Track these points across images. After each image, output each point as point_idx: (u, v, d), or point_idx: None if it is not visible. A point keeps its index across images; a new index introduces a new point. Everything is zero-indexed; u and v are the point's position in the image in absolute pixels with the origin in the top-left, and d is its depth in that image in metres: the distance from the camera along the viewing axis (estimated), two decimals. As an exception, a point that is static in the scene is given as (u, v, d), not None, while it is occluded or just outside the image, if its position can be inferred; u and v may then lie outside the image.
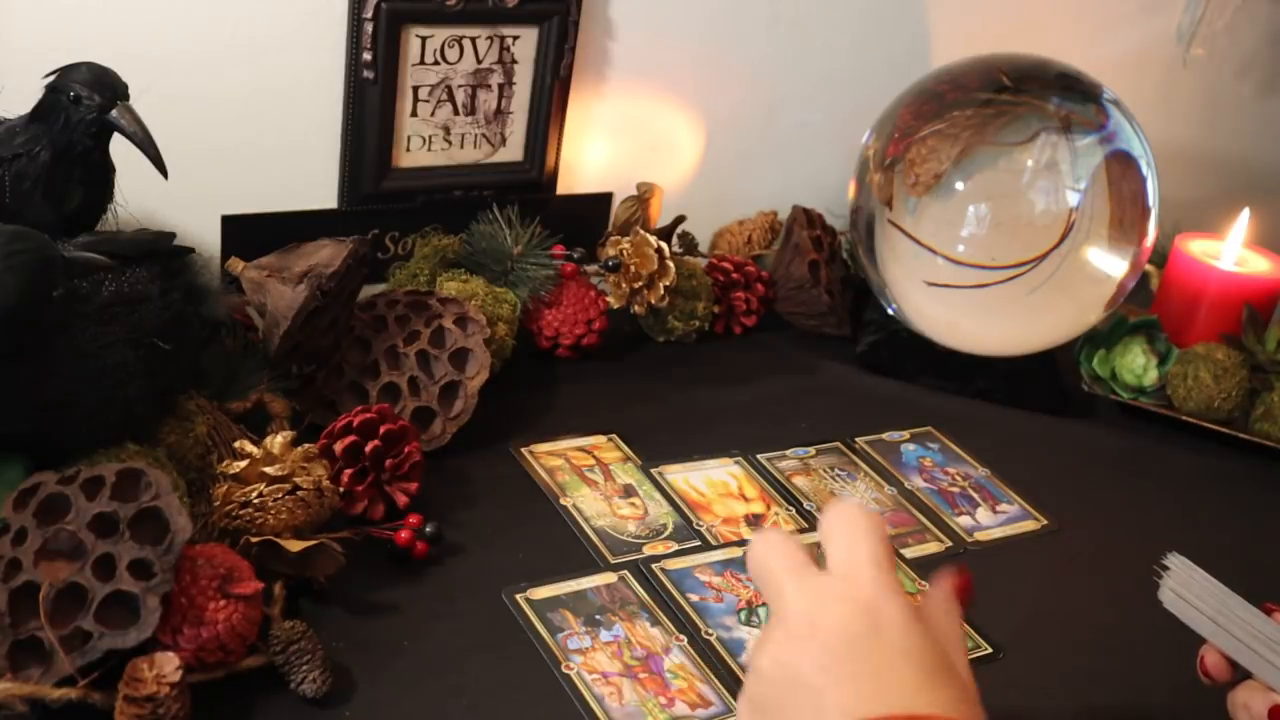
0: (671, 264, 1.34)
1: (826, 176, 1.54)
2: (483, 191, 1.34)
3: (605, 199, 1.45)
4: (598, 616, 0.99)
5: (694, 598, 1.02)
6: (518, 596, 0.99)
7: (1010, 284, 1.31)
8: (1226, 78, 1.80)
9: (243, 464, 0.95)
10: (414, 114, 1.27)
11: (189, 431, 1.01)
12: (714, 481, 1.18)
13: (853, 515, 0.65)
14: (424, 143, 1.29)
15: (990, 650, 1.02)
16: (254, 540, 0.93)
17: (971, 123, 1.30)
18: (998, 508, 1.22)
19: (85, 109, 0.94)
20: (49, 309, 0.85)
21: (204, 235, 1.19)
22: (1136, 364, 1.40)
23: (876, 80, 1.47)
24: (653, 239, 1.34)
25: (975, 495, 1.23)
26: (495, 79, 1.30)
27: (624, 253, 1.34)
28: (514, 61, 1.29)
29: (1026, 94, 1.31)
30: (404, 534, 1.00)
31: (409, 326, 1.16)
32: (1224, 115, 1.83)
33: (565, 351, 1.32)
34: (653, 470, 1.17)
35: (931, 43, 1.55)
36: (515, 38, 1.28)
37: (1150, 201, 1.33)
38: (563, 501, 1.11)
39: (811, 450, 1.25)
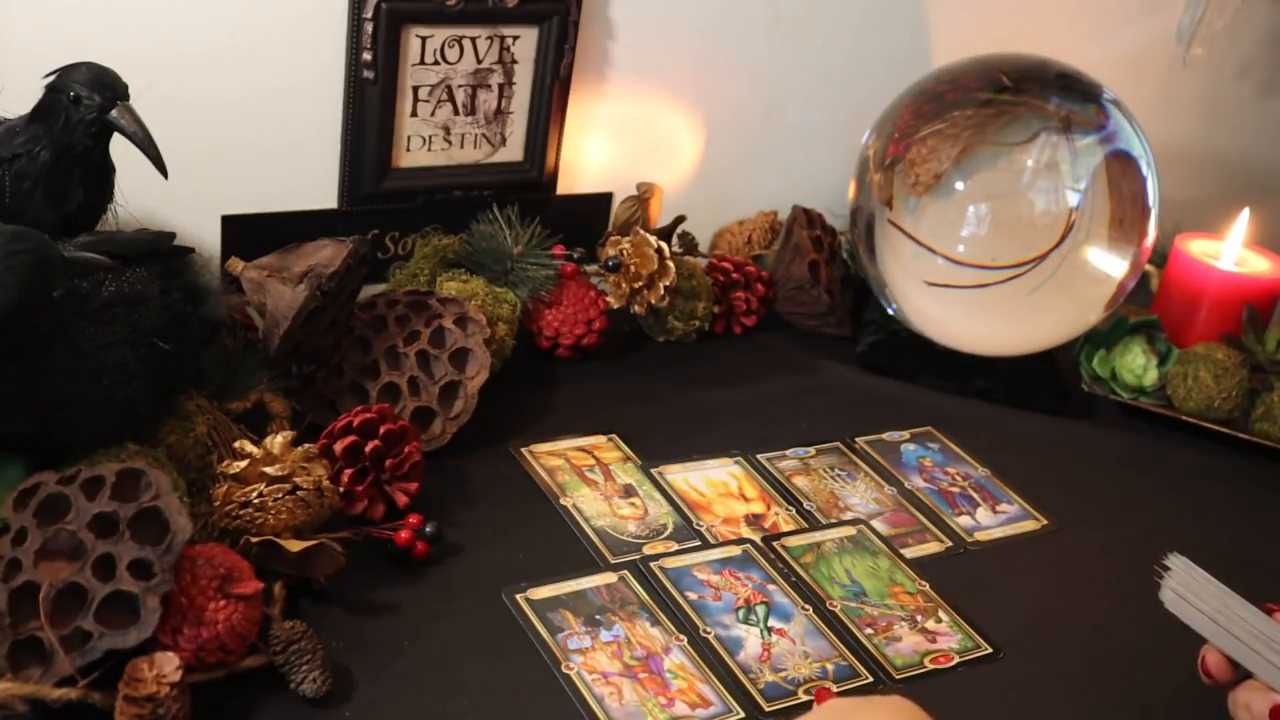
0: (671, 264, 1.34)
1: (826, 176, 1.54)
2: (483, 191, 1.33)
3: (605, 199, 1.45)
4: (598, 616, 0.98)
5: (692, 596, 1.02)
6: (518, 596, 0.99)
7: (1010, 284, 1.31)
8: (1226, 78, 1.80)
9: (243, 464, 0.95)
10: (414, 114, 1.27)
11: (189, 431, 1.01)
12: (714, 481, 1.18)
13: None
14: (424, 143, 1.29)
15: (990, 650, 1.02)
16: (254, 540, 0.93)
17: (971, 123, 1.30)
18: (998, 508, 1.22)
19: (85, 109, 0.94)
20: (49, 309, 0.85)
21: (204, 235, 1.19)
22: (1136, 364, 1.40)
23: (876, 80, 1.47)
24: (653, 239, 1.34)
25: (975, 495, 1.23)
26: (495, 79, 1.30)
27: (624, 253, 1.34)
28: (514, 61, 1.29)
29: (1026, 94, 1.31)
30: (404, 534, 1.00)
31: (409, 326, 1.16)
32: (1224, 115, 1.83)
33: (565, 351, 1.31)
34: (653, 470, 1.17)
35: (931, 43, 1.55)
36: (515, 38, 1.28)
37: (1150, 201, 1.33)
38: (563, 501, 1.11)
39: (811, 450, 1.25)
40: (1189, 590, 0.82)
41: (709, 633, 0.99)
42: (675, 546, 1.08)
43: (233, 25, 1.16)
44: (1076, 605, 1.10)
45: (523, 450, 1.17)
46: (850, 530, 1.14)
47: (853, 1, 1.49)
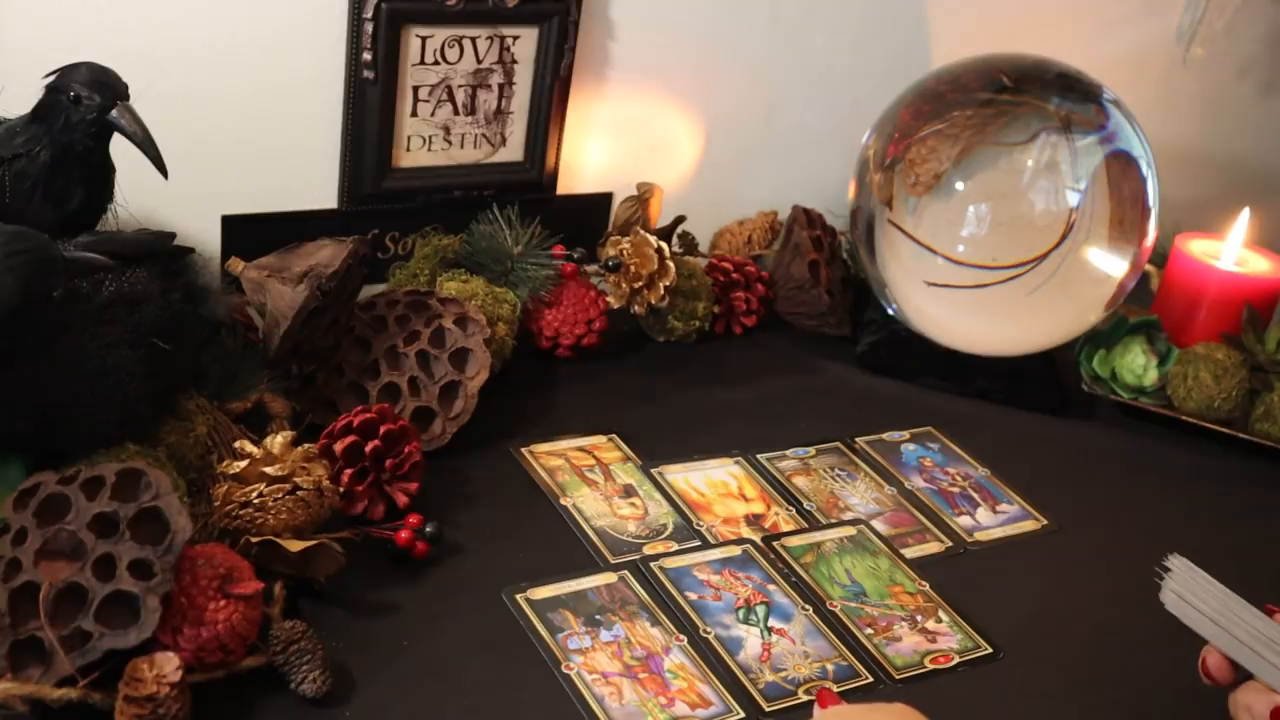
0: (671, 264, 1.34)
1: (826, 176, 1.54)
2: (483, 191, 1.34)
3: (605, 199, 1.45)
4: (598, 616, 0.98)
5: (692, 596, 1.02)
6: (518, 596, 0.99)
7: (1010, 284, 1.31)
8: (1226, 78, 1.80)
9: (243, 464, 0.95)
10: (414, 114, 1.27)
11: (189, 431, 1.01)
12: (714, 481, 1.18)
13: None
14: (424, 143, 1.29)
15: (990, 650, 1.02)
16: (254, 540, 0.93)
17: (971, 123, 1.30)
18: (998, 508, 1.22)
19: (85, 109, 0.94)
20: (49, 309, 0.85)
21: (204, 235, 1.19)
22: (1136, 364, 1.40)
23: (876, 80, 1.47)
24: (653, 239, 1.34)
25: (975, 495, 1.23)
26: (495, 79, 1.30)
27: (624, 253, 1.34)
28: (514, 61, 1.29)
29: (1026, 94, 1.31)
30: (404, 534, 1.00)
31: (409, 326, 1.16)
32: (1224, 115, 1.83)
33: (565, 351, 1.31)
34: (653, 470, 1.17)
35: (931, 43, 1.55)
36: (515, 38, 1.28)
37: (1150, 201, 1.33)
38: (563, 501, 1.11)
39: (811, 450, 1.25)
40: (1189, 591, 0.82)
41: (709, 633, 0.99)
42: (675, 546, 1.08)
43: (233, 25, 1.16)
44: (1076, 605, 1.10)
45: (523, 450, 1.17)
46: (850, 530, 1.14)
47: (853, 1, 1.49)
